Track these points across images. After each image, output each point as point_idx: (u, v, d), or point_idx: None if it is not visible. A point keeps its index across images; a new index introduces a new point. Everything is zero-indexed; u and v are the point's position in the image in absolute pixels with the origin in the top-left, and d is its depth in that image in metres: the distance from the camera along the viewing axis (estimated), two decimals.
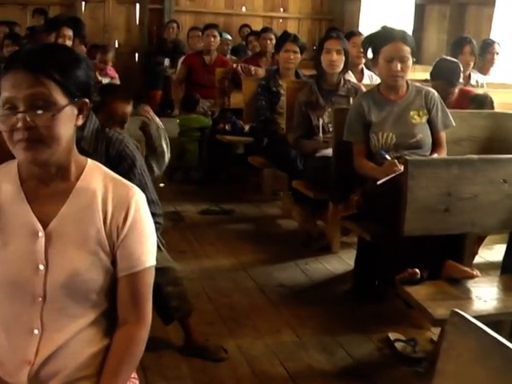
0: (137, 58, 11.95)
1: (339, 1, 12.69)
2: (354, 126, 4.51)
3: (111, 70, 7.87)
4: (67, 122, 1.94)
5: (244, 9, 12.41)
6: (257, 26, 11.62)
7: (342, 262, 5.23)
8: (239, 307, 4.40)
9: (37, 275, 1.97)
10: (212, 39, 8.16)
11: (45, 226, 1.99)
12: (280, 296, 4.60)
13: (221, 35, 8.65)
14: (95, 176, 2.06)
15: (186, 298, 3.67)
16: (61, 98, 1.90)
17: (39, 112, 1.87)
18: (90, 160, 2.10)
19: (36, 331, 1.98)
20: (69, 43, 6.22)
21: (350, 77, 6.01)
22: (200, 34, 8.81)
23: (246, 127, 6.99)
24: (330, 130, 5.35)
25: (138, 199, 2.05)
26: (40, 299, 1.97)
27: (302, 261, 5.23)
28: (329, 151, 5.07)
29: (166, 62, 10.30)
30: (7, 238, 1.99)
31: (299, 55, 6.31)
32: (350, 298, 4.58)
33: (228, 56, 9.09)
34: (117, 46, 11.68)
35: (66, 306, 1.99)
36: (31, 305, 1.98)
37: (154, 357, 3.60)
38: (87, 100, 2.00)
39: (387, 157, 4.31)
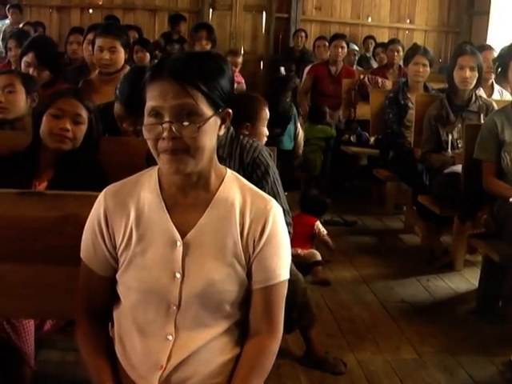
0: (262, 66, 12.03)
1: (467, 14, 12.42)
2: (485, 144, 4.42)
3: (238, 76, 7.94)
4: (211, 133, 1.95)
5: (370, 19, 12.31)
6: (382, 37, 11.54)
7: (465, 280, 5.13)
8: (359, 320, 4.38)
9: (173, 283, 1.99)
10: (340, 50, 8.12)
11: (183, 235, 2.01)
12: (401, 312, 4.55)
13: (348, 46, 8.61)
14: (234, 187, 2.06)
15: (309, 308, 3.67)
16: (206, 109, 1.91)
17: (185, 123, 1.88)
18: (229, 170, 2.11)
19: (170, 337, 2.01)
20: (207, 47, 6.64)
21: (481, 92, 5.89)
22: (327, 43, 8.79)
23: (372, 139, 6.94)
24: (459, 145, 5.27)
25: (276, 213, 2.04)
26: (175, 307, 2.00)
27: (423, 277, 5.17)
28: (457, 167, 4.99)
29: (282, 70, 10.32)
30: (146, 246, 2.02)
31: (428, 68, 6.22)
32: (472, 318, 4.48)
33: (354, 67, 9.04)
34: (242, 53, 11.79)
35: (199, 315, 2.01)
36: (166, 312, 2.01)
37: (273, 366, 3.60)
38: (230, 110, 2.00)
39: None
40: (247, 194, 2.06)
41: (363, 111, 7.27)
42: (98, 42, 4.70)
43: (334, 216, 6.45)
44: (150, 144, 1.95)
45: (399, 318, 4.44)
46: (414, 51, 6.33)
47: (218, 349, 2.03)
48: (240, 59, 8.02)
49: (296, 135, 6.55)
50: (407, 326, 4.33)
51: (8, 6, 10.36)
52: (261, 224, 2.01)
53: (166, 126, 1.88)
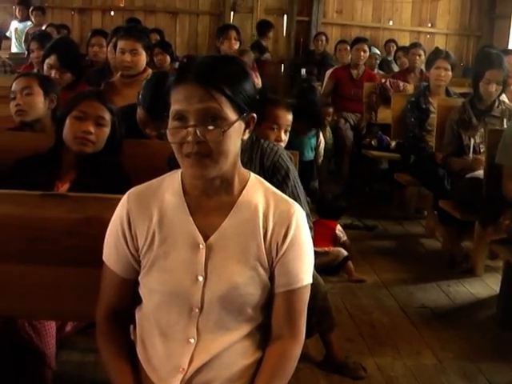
0: (282, 69, 12.03)
1: (488, 17, 12.38)
2: (507, 149, 4.40)
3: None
4: (235, 138, 1.95)
5: (391, 23, 12.28)
6: (403, 40, 11.52)
7: (486, 286, 5.10)
8: (379, 325, 4.36)
9: (195, 286, 1.99)
10: (362, 53, 8.10)
11: (206, 238, 2.01)
12: (421, 317, 4.53)
13: (370, 49, 8.58)
14: (257, 191, 2.06)
15: (329, 312, 3.65)
16: (231, 113, 1.91)
17: (210, 127, 1.88)
18: (252, 174, 2.11)
19: (192, 340, 2.01)
20: (235, 46, 6.90)
21: (504, 97, 5.85)
22: (348, 47, 8.77)
23: (393, 143, 6.92)
24: (481, 150, 5.25)
25: (299, 216, 2.04)
26: (197, 310, 2.00)
27: (444, 282, 5.14)
28: (479, 172, 4.97)
29: (303, 72, 10.29)
30: (169, 248, 2.02)
31: (450, 73, 6.19)
32: (493, 325, 4.45)
33: (375, 70, 9.01)
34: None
35: (221, 319, 2.01)
36: (188, 315, 2.01)
37: None
38: (254, 115, 2.00)
39: None
40: (270, 197, 2.06)
41: (384, 115, 7.25)
42: (120, 44, 4.73)
43: (354, 220, 6.44)
44: (174, 148, 1.95)
45: (419, 323, 4.42)
46: (436, 55, 6.31)
47: (239, 352, 2.03)
48: (248, 58, 7.97)
49: (317, 145, 6.56)
50: (427, 331, 4.31)
51: (31, 9, 10.44)
52: (284, 227, 2.01)
53: (190, 129, 1.89)
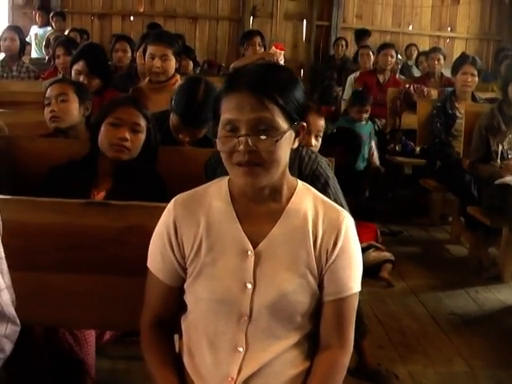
0: (302, 74, 12.01)
1: (508, 22, 12.34)
2: None
3: None
4: (286, 147, 1.94)
5: (411, 27, 12.25)
6: (423, 45, 11.49)
7: None
8: (409, 332, 4.34)
9: (244, 294, 1.98)
10: (389, 58, 8.08)
11: (254, 245, 2.00)
12: (451, 324, 4.50)
13: (397, 54, 8.56)
14: (305, 198, 2.05)
15: (361, 319, 3.63)
16: (283, 123, 1.90)
17: (263, 137, 1.87)
18: (300, 181, 2.10)
19: (240, 349, 1.99)
20: (260, 51, 6.97)
21: None
22: (370, 52, 8.74)
23: (417, 149, 6.90)
24: (509, 156, 5.22)
25: (348, 224, 2.03)
26: (246, 318, 1.98)
27: (472, 289, 5.10)
28: (509, 178, 4.94)
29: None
30: (217, 256, 2.01)
31: (477, 78, 6.15)
32: None
33: (397, 75, 8.97)
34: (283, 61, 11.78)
35: (270, 327, 1.99)
36: (237, 323, 1.99)
37: None
38: (304, 124, 1.99)
39: None
40: (319, 204, 2.05)
41: (408, 120, 7.21)
42: (150, 49, 4.72)
43: (380, 226, 6.39)
44: (223, 156, 1.94)
45: (449, 330, 4.39)
46: (462, 60, 6.27)
47: (288, 361, 2.01)
48: None
49: (370, 154, 6.57)
50: (457, 338, 4.28)
51: (52, 14, 10.48)
52: (334, 235, 2.00)
53: (242, 139, 1.87)
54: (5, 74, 7.13)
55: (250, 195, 2.01)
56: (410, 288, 5.06)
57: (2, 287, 1.96)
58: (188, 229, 2.04)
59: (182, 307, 2.12)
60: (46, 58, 9.40)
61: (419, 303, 4.80)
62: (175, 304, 2.12)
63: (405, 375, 3.78)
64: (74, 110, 3.77)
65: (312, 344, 2.07)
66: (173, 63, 4.72)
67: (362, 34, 10.74)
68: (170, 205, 2.09)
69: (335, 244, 2.00)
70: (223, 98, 1.94)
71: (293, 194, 2.05)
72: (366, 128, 6.69)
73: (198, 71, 8.51)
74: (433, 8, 12.27)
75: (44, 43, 9.97)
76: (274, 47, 6.98)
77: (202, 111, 3.54)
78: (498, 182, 5.14)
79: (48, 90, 3.82)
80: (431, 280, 5.28)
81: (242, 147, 1.87)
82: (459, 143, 5.88)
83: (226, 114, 1.92)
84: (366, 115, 6.69)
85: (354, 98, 6.92)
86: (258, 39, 7.13)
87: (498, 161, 5.31)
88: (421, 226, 6.69)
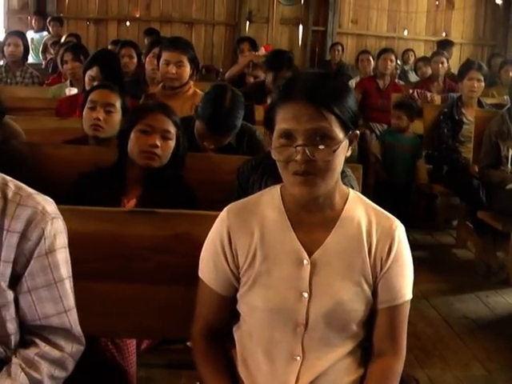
0: None
1: (502, 27, 12.41)
2: None
3: None
4: (342, 156, 1.94)
5: (406, 32, 12.29)
6: (418, 50, 11.57)
7: None
8: (425, 337, 4.36)
9: (300, 303, 1.98)
10: (389, 63, 8.09)
11: (309, 253, 2.00)
12: (464, 328, 4.53)
13: (396, 59, 8.59)
14: (358, 206, 2.06)
15: None
16: (339, 132, 1.90)
17: (321, 147, 1.87)
18: (351, 190, 2.11)
19: (298, 358, 1.99)
20: None
21: None
22: (370, 57, 8.77)
23: (423, 153, 6.92)
24: None
25: (401, 232, 2.05)
26: (302, 327, 1.99)
27: (482, 293, 5.14)
28: None
29: None
30: (271, 265, 2.01)
31: (483, 83, 6.18)
32: None
33: (396, 81, 9.00)
34: None
35: (325, 335, 2.00)
36: (293, 332, 1.99)
37: None
38: (358, 132, 1.99)
39: None
40: (371, 213, 2.07)
41: (414, 126, 7.21)
42: (165, 55, 4.71)
43: None
44: (279, 165, 1.94)
45: (463, 334, 4.42)
46: (468, 66, 6.30)
47: (344, 369, 2.02)
48: None
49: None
50: (472, 342, 4.31)
51: (49, 19, 10.46)
52: (388, 243, 2.02)
53: (299, 149, 1.87)
54: (8, 80, 7.12)
55: (304, 203, 2.01)
56: (421, 292, 5.05)
57: (71, 306, 1.96)
58: (242, 238, 2.04)
59: (234, 317, 2.12)
60: (43, 63, 9.42)
61: (431, 308, 4.83)
62: (227, 313, 2.11)
63: (424, 379, 3.81)
64: (117, 124, 3.67)
65: (364, 351, 2.08)
66: (187, 69, 4.72)
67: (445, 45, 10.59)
68: (223, 213, 2.09)
69: (389, 252, 2.02)
70: (278, 107, 1.93)
71: (345, 202, 2.05)
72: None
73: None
74: (428, 13, 12.32)
75: (41, 48, 9.98)
76: (262, 48, 7.14)
77: (228, 119, 3.55)
78: (509, 186, 5.19)
79: (93, 94, 3.75)
80: (441, 284, 5.31)
81: (299, 157, 1.87)
82: (466, 148, 5.92)
83: (282, 124, 1.91)
84: None
85: None
86: (247, 45, 7.50)
87: (509, 166, 5.32)
88: (425, 230, 6.70)
